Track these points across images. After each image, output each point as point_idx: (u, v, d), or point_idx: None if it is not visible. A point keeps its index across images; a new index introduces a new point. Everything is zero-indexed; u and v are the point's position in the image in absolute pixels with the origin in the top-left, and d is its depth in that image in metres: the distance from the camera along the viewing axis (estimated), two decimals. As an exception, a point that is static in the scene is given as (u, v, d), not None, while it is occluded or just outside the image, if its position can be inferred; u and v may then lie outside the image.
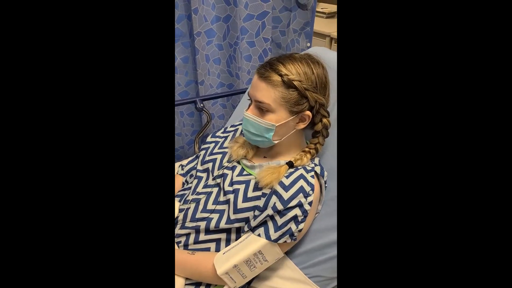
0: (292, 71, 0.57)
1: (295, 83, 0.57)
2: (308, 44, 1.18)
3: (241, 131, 0.74)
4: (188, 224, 0.64)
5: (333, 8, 2.17)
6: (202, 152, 0.75)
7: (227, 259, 0.57)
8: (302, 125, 0.62)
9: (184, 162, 0.82)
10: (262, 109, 0.59)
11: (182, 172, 0.80)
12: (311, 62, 0.60)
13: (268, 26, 1.08)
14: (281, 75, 0.57)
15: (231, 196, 0.61)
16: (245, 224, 0.60)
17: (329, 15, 2.15)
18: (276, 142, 0.62)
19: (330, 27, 1.94)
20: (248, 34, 1.09)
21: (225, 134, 0.77)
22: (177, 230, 0.65)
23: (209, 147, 0.75)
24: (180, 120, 1.23)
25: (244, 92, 1.15)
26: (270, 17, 1.07)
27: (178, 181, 0.79)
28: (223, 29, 1.06)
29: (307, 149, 0.65)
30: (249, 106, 0.62)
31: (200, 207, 0.65)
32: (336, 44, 1.72)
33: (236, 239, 0.62)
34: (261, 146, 0.65)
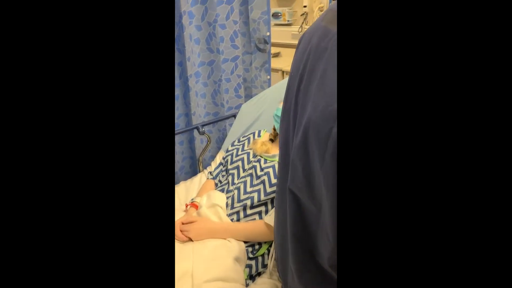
0: None
1: None
2: (268, 77, 1.55)
3: (252, 138, 1.03)
4: (236, 205, 0.89)
5: (275, 50, 2.64)
6: (228, 158, 1.02)
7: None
8: None
9: (212, 169, 1.07)
10: None
11: (212, 176, 1.04)
12: None
13: (240, 66, 1.42)
14: None
15: (265, 177, 0.89)
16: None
17: (274, 55, 2.61)
18: None
19: (278, 63, 2.37)
20: (225, 73, 1.41)
21: (240, 143, 1.05)
22: (228, 211, 0.89)
23: (233, 153, 1.02)
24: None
25: (228, 118, 1.45)
26: (240, 59, 1.41)
27: (211, 183, 1.03)
28: (208, 71, 1.36)
29: None
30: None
31: (241, 191, 0.90)
32: (287, 76, 2.15)
33: (272, 209, 0.88)
34: None
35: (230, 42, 1.34)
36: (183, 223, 0.83)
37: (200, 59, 1.33)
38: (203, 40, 1.31)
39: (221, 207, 0.87)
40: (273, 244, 0.84)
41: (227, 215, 0.88)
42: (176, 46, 1.25)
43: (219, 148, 1.52)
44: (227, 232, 0.82)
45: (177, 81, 1.32)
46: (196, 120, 1.39)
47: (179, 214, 0.91)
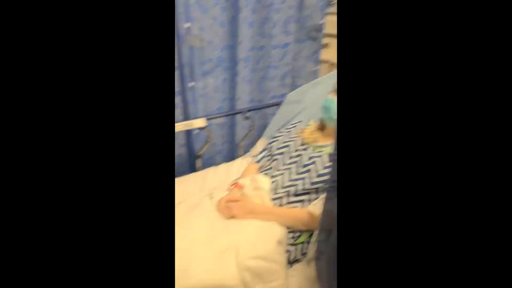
0: None
1: None
2: (316, 68, 1.51)
3: (300, 127, 1.02)
4: (279, 190, 0.88)
5: (325, 40, 2.56)
6: (274, 143, 1.01)
7: (318, 207, 0.82)
8: None
9: (255, 154, 1.07)
10: None
11: (256, 160, 1.05)
12: None
13: (289, 54, 1.40)
14: None
15: (311, 166, 0.87)
16: (324, 184, 0.86)
17: (323, 46, 2.54)
18: None
19: (326, 54, 2.30)
20: (273, 60, 1.39)
21: (288, 130, 1.05)
22: (271, 196, 0.88)
23: (279, 139, 1.02)
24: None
25: (274, 106, 1.44)
26: (290, 47, 1.39)
27: (255, 166, 1.03)
28: (257, 57, 1.36)
29: None
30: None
31: (286, 178, 0.89)
32: (335, 68, 2.08)
33: (315, 199, 0.86)
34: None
35: (282, 27, 1.32)
36: (227, 201, 0.83)
37: (251, 44, 1.33)
38: (257, 24, 1.30)
39: (265, 191, 0.86)
40: (313, 235, 0.82)
41: (270, 199, 0.88)
42: (229, 28, 1.25)
43: (258, 136, 1.52)
44: (269, 215, 0.81)
45: (226, 64, 1.32)
46: (240, 105, 1.39)
47: (222, 193, 0.92)
